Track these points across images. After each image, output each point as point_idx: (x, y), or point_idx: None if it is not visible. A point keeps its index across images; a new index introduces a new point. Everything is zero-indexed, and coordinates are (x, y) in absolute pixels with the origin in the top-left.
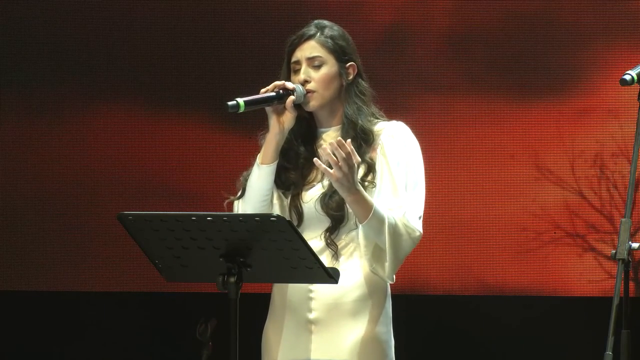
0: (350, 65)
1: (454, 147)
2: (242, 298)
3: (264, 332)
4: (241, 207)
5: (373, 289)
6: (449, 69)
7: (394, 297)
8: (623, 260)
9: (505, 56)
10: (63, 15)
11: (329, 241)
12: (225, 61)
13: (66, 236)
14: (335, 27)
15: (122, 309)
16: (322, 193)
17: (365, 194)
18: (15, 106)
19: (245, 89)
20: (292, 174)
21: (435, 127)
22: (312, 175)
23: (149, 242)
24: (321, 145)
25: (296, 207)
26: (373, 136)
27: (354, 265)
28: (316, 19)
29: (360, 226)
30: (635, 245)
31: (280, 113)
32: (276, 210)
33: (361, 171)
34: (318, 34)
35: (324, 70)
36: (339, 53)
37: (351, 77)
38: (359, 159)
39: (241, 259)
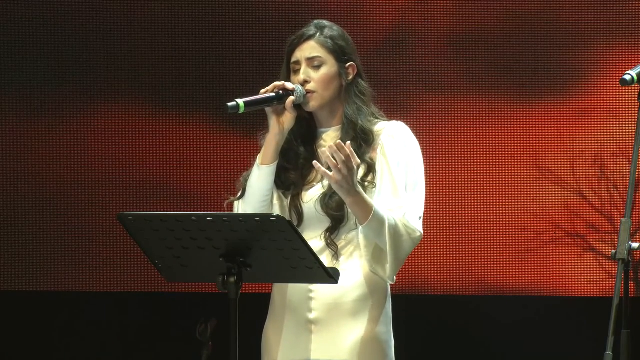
0: (350, 66)
1: (454, 147)
2: (242, 298)
3: (264, 332)
4: (241, 207)
5: (373, 289)
6: (449, 69)
7: (394, 297)
8: (623, 260)
9: (505, 56)
10: (63, 15)
11: (329, 241)
12: (225, 61)
13: (66, 236)
14: (335, 27)
15: (122, 309)
16: (322, 193)
17: (365, 195)
18: (15, 106)
19: (245, 89)
20: (292, 174)
21: (435, 127)
22: (312, 176)
23: (149, 242)
24: (321, 145)
25: (296, 207)
26: (373, 136)
27: (354, 265)
28: (316, 19)
29: (360, 227)
30: (635, 245)
31: (280, 113)
32: (276, 211)
33: (361, 171)
34: (318, 34)
35: (323, 70)
36: (339, 53)
37: (351, 77)
38: (359, 161)
39: (241, 259)
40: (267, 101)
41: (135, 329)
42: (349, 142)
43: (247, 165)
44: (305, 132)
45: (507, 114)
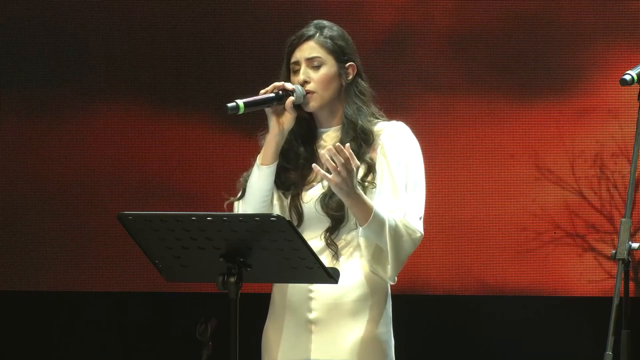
0: (349, 66)
1: (454, 147)
2: (242, 298)
3: (264, 332)
4: (241, 208)
5: (373, 289)
6: (449, 69)
7: (394, 297)
8: (623, 260)
9: (505, 56)
10: (63, 15)
11: (329, 241)
12: (225, 61)
13: (66, 236)
14: (335, 27)
15: (122, 309)
16: (322, 193)
17: (365, 197)
18: (15, 106)
19: (245, 89)
20: (292, 175)
21: (435, 127)
22: (312, 176)
23: (149, 242)
24: (321, 145)
25: (296, 207)
26: (373, 136)
27: (354, 265)
28: (316, 19)
29: (360, 229)
30: (635, 245)
31: (279, 114)
32: (276, 211)
33: (361, 171)
34: (317, 34)
35: (323, 70)
36: (338, 53)
37: (351, 77)
38: (358, 163)
39: (241, 259)
40: (267, 102)
41: (135, 329)
42: (348, 144)
43: (247, 165)
44: (305, 132)
45: (507, 114)
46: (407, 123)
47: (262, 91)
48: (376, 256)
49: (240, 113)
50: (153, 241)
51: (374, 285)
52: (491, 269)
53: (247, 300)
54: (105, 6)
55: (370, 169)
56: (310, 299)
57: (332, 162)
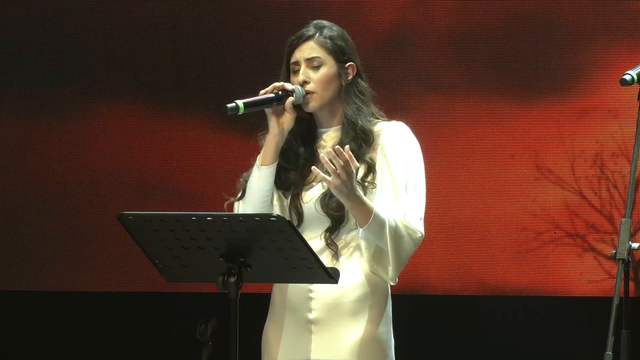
0: (349, 66)
1: (454, 147)
2: (242, 298)
3: (264, 332)
4: (241, 208)
5: (373, 288)
6: (450, 69)
7: (394, 297)
8: (623, 260)
9: (505, 56)
10: (63, 15)
11: (329, 241)
12: (225, 61)
13: (66, 236)
14: (335, 27)
15: (122, 309)
16: (322, 193)
17: (365, 198)
18: (15, 106)
19: (245, 89)
20: (291, 175)
21: (435, 127)
22: (312, 176)
23: (149, 242)
24: (321, 145)
25: (296, 207)
26: (373, 136)
27: (354, 265)
28: (316, 19)
29: (361, 230)
30: (635, 245)
31: (279, 114)
32: (276, 211)
33: (361, 171)
34: (317, 34)
35: (322, 70)
36: (338, 53)
37: (350, 77)
38: (357, 165)
39: (241, 259)
40: (267, 102)
41: (135, 329)
42: (347, 147)
43: (247, 166)
44: (305, 132)
45: (507, 114)
46: (407, 123)
47: (262, 92)
48: (377, 256)
49: (240, 114)
50: (153, 241)
51: (374, 285)
52: (491, 269)
53: (247, 300)
54: (105, 6)
55: (370, 169)
56: (310, 299)
57: (331, 164)
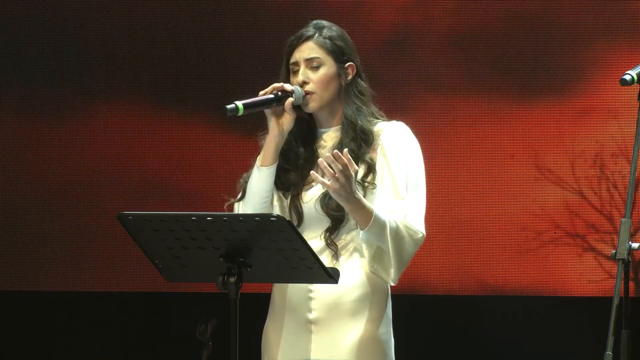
0: (349, 66)
1: (454, 147)
2: (242, 298)
3: (264, 332)
4: (241, 209)
5: (373, 289)
6: (450, 69)
7: (394, 297)
8: (623, 260)
9: (505, 56)
10: (63, 15)
11: (329, 241)
12: (225, 61)
13: (66, 236)
14: (334, 28)
15: (122, 309)
16: (322, 193)
17: (365, 201)
18: (15, 106)
19: (245, 89)
20: (291, 175)
21: (435, 127)
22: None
23: (149, 242)
24: (321, 145)
25: (296, 207)
26: (373, 136)
27: (354, 265)
28: (316, 19)
29: (361, 232)
30: (635, 245)
31: (279, 115)
32: (276, 211)
33: (361, 171)
34: (316, 34)
35: (322, 71)
36: (338, 53)
37: (350, 77)
38: (356, 168)
39: (241, 259)
40: (266, 103)
41: (135, 329)
42: (346, 150)
43: (247, 166)
44: (305, 132)
45: (507, 114)
46: (407, 123)
47: (261, 92)
48: (377, 257)
49: (240, 114)
50: (153, 241)
51: (374, 285)
52: (491, 269)
53: (247, 300)
54: (105, 6)
55: (371, 169)
56: (310, 299)
57: (330, 169)
